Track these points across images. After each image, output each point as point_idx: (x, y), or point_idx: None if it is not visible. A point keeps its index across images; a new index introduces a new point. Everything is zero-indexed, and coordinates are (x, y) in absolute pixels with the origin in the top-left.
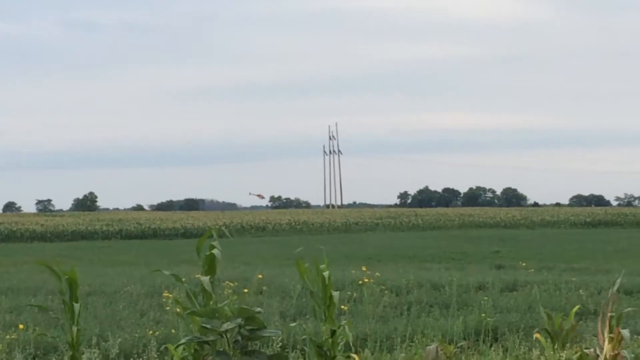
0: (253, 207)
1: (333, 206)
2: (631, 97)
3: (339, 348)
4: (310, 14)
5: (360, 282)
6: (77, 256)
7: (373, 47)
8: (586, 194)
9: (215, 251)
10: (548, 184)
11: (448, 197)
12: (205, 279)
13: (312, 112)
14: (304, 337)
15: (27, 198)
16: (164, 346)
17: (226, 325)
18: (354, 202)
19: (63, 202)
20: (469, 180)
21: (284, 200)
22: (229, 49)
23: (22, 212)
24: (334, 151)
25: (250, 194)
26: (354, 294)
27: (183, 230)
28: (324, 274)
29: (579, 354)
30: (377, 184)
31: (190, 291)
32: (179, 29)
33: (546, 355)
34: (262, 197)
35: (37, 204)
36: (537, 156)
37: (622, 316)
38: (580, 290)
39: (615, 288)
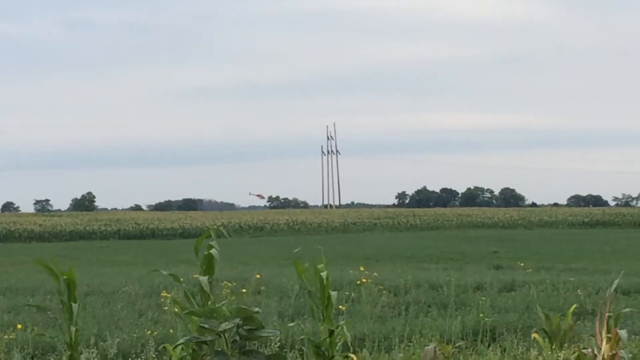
0: (251, 207)
1: (331, 206)
2: (631, 97)
3: (337, 348)
4: (310, 14)
5: (358, 282)
6: (75, 256)
7: (373, 47)
8: (584, 194)
9: (213, 251)
10: (546, 184)
11: (446, 197)
12: (204, 279)
13: (312, 112)
14: (302, 337)
15: (25, 198)
16: (162, 346)
17: (224, 325)
18: (352, 202)
19: (61, 202)
20: (467, 180)
21: (282, 200)
22: (229, 49)
23: (20, 212)
24: (332, 151)
25: (250, 194)
26: (352, 294)
27: (181, 231)
28: (322, 274)
29: (576, 354)
30: (375, 184)
31: (188, 291)
32: (179, 29)
33: (544, 355)
34: (262, 197)
35: (35, 204)
36: (537, 156)
37: (620, 316)
38: (578, 291)
39: (613, 288)
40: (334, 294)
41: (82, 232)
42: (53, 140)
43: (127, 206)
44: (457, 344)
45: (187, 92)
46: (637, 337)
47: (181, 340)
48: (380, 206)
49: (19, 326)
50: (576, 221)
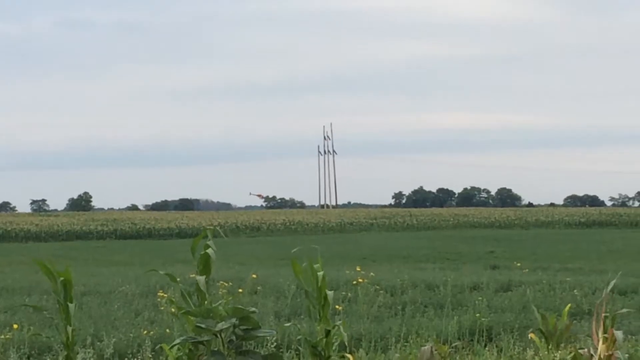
0: (248, 207)
1: (328, 206)
2: (631, 97)
3: (334, 348)
4: (310, 14)
5: (354, 282)
6: (72, 256)
7: (373, 47)
8: (581, 194)
9: (209, 251)
10: (543, 185)
11: (442, 197)
12: (200, 279)
13: (312, 112)
14: (298, 337)
15: (22, 198)
16: (158, 346)
17: (221, 325)
18: (349, 202)
19: (58, 202)
20: (464, 180)
21: (279, 200)
22: (229, 48)
23: (16, 212)
24: (328, 151)
25: (250, 194)
26: (349, 294)
27: (178, 230)
28: (318, 273)
29: (573, 354)
30: (371, 184)
31: (184, 291)
32: (179, 29)
33: (540, 355)
34: (262, 197)
35: (31, 203)
36: (536, 156)
37: (617, 317)
38: (575, 291)
39: (609, 288)
40: (330, 293)
41: (78, 232)
42: (50, 140)
43: (124, 206)
44: (453, 344)
45: (187, 92)
46: (633, 337)
47: (177, 340)
48: (376, 206)
49: (15, 326)
50: (573, 221)
